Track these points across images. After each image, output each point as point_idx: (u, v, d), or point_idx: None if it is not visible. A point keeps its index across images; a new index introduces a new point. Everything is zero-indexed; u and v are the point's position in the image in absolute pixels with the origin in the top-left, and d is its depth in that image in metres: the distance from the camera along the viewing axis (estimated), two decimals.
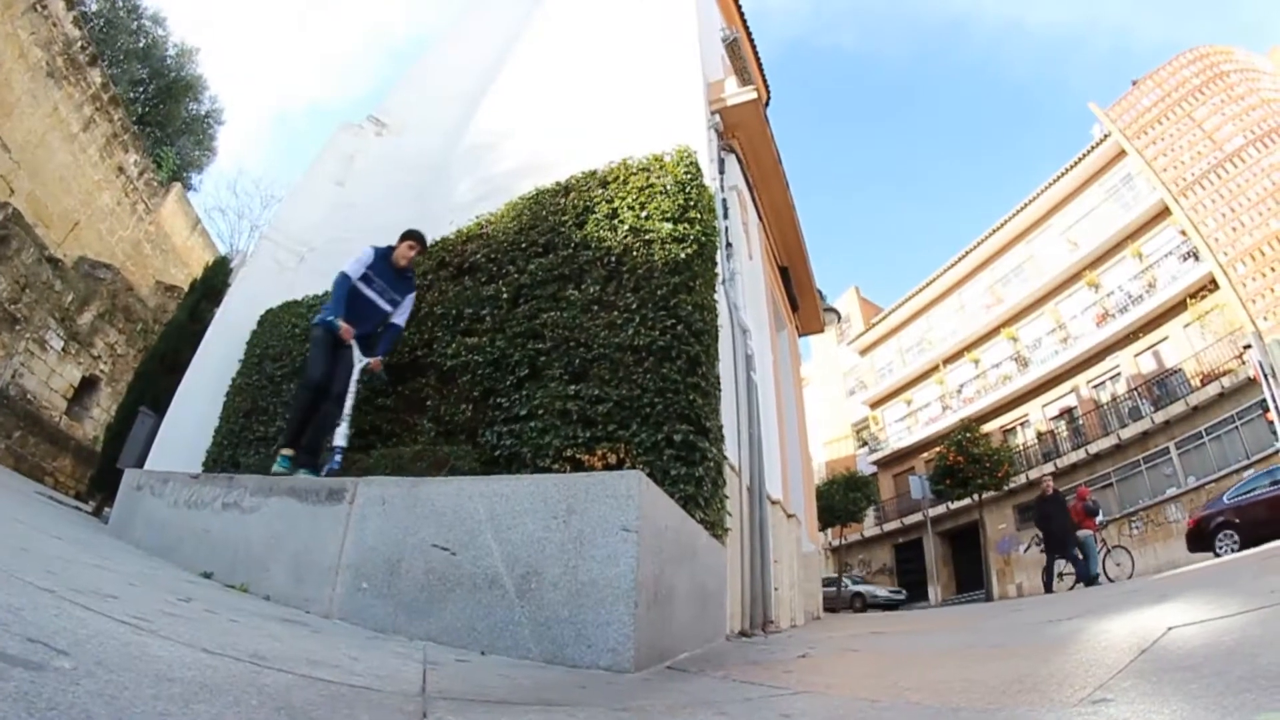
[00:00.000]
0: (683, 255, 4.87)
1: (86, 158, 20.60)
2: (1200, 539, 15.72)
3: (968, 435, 25.71)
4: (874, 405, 42.65)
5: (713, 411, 4.71)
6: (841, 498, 29.68)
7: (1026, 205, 35.00)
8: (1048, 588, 14.53)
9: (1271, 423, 19.37)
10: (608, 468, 4.08)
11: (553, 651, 2.97)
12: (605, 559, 3.02)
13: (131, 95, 27.43)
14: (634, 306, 4.78)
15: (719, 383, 5.00)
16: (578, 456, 4.31)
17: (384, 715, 1.62)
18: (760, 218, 11.00)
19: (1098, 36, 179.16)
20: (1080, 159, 32.46)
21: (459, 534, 3.42)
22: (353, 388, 5.40)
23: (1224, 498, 15.92)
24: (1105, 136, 31.05)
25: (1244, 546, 13.39)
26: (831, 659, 3.99)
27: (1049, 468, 30.15)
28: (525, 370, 5.01)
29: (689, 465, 4.29)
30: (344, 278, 5.91)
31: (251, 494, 4.64)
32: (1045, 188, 34.07)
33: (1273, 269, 24.36)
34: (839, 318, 15.65)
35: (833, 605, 23.43)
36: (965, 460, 24.94)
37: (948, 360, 37.94)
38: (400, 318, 6.01)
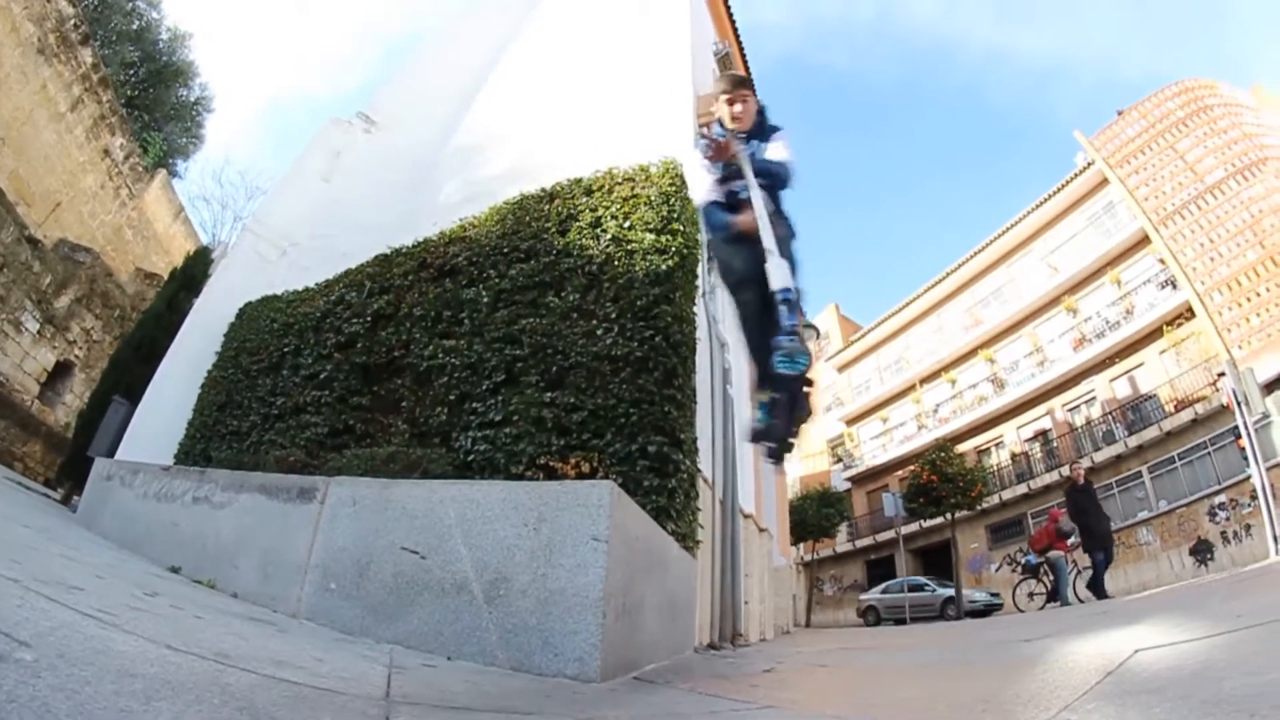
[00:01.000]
0: (664, 267, 4.88)
1: (72, 138, 20.40)
2: None
3: (942, 455, 25.87)
4: (850, 422, 42.85)
5: (688, 424, 4.72)
6: (815, 513, 29.84)
7: (1008, 229, 35.32)
8: (1098, 591, 12.74)
9: (1242, 449, 19.58)
10: (581, 477, 4.08)
11: (520, 659, 2.97)
12: (574, 568, 3.03)
13: (121, 77, 27.09)
14: (613, 316, 4.79)
15: (695, 395, 5.01)
16: (551, 464, 4.31)
17: (347, 718, 1.63)
18: None
19: (1084, 67, 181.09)
20: (1063, 185, 32.76)
21: (429, 538, 3.42)
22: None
23: None
24: (1089, 164, 31.38)
25: None
26: (799, 674, 4.00)
27: (1022, 489, 30.50)
28: (502, 375, 5.01)
29: (662, 477, 4.30)
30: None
31: (222, 489, 4.62)
32: (1027, 213, 34.37)
33: (1248, 299, 24.77)
34: (818, 334, 15.64)
35: (921, 615, 23.26)
36: (939, 479, 25.11)
37: (925, 380, 38.16)
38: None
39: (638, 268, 4.90)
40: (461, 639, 3.11)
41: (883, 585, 27.07)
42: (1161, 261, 27.70)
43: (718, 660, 4.60)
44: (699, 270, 5.64)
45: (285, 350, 6.85)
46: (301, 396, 6.29)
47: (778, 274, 3.36)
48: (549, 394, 4.69)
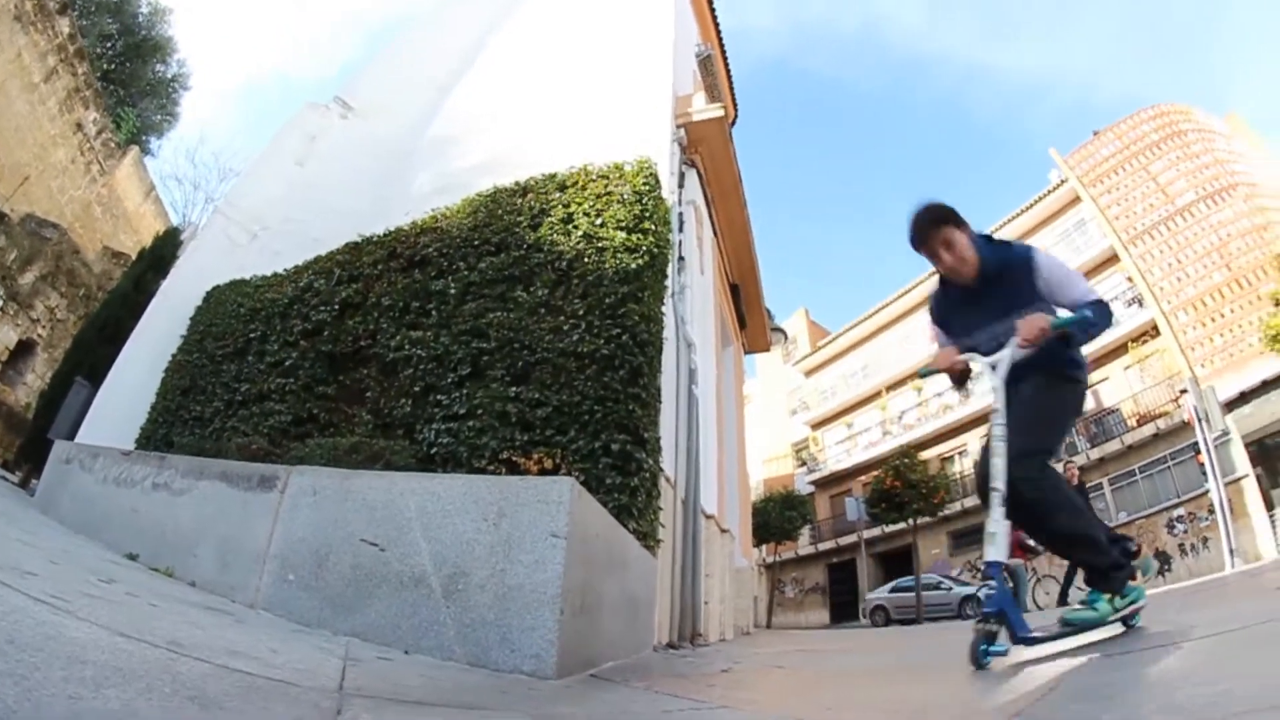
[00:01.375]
0: (634, 265, 4.91)
1: (45, 110, 20.02)
2: None
3: (906, 461, 26.12)
4: (815, 426, 43.23)
5: (652, 423, 4.75)
6: (777, 515, 29.99)
7: None
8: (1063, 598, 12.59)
9: (1202, 465, 19.97)
10: (543, 472, 4.09)
11: (477, 654, 2.97)
12: (533, 564, 3.03)
13: (98, 50, 26.58)
14: (581, 313, 4.81)
15: (660, 394, 5.04)
16: (514, 459, 4.32)
17: (299, 710, 1.63)
18: (715, 234, 11.10)
19: (1063, 87, 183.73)
20: (1036, 201, 33.44)
21: (388, 530, 3.41)
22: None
23: None
24: (1062, 182, 32.10)
25: None
26: (756, 675, 4.03)
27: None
28: (467, 369, 5.00)
29: (624, 475, 4.33)
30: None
31: (183, 475, 4.58)
32: (1000, 226, 34.83)
33: (1212, 319, 25.53)
34: (785, 337, 15.75)
35: (937, 615, 22.85)
36: (902, 485, 25.36)
37: (891, 387, 38.53)
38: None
39: (608, 265, 4.92)
40: (419, 633, 3.10)
41: (892, 583, 26.77)
42: (1129, 279, 28.44)
43: (676, 659, 4.62)
44: (669, 270, 5.67)
45: (251, 336, 6.77)
46: (266, 384, 6.23)
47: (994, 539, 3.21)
48: (514, 389, 4.69)
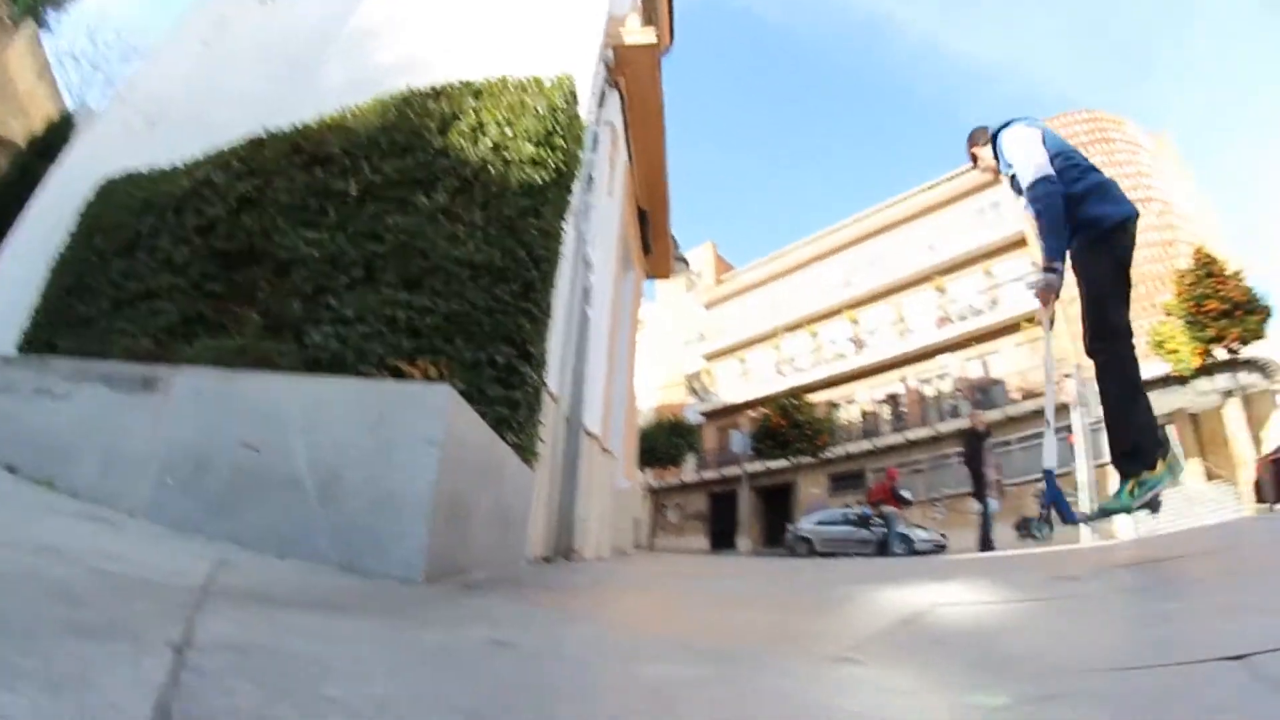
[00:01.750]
0: (538, 180, 4.87)
1: None
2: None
3: (793, 402, 26.83)
4: (711, 358, 44.11)
5: (539, 338, 4.76)
6: (665, 441, 30.59)
7: (896, 203, 36.81)
8: (984, 544, 12.99)
9: (1072, 445, 21.28)
10: (428, 381, 4.11)
11: (350, 559, 2.99)
12: (407, 470, 3.04)
13: None
14: (480, 223, 4.74)
15: (551, 311, 5.03)
16: (400, 366, 4.23)
17: (160, 606, 1.62)
18: (630, 158, 11.06)
19: (1008, 79, 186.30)
20: (956, 175, 34.64)
21: (269, 433, 3.36)
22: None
23: None
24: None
25: None
26: (622, 593, 4.16)
27: (867, 445, 32.18)
28: (360, 272, 4.90)
29: (507, 388, 4.35)
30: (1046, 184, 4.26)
31: (64, 379, 4.38)
32: (918, 191, 36.13)
33: None
34: (688, 267, 15.88)
35: (863, 551, 21.67)
36: (788, 424, 26.05)
37: (789, 329, 39.40)
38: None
39: (512, 177, 4.86)
40: (295, 537, 3.10)
41: (819, 514, 26.23)
42: (1035, 264, 29.57)
43: (549, 573, 4.74)
44: (575, 188, 5.63)
45: (142, 231, 6.41)
46: (155, 281, 5.93)
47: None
48: (405, 294, 4.63)
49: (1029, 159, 4.38)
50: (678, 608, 3.56)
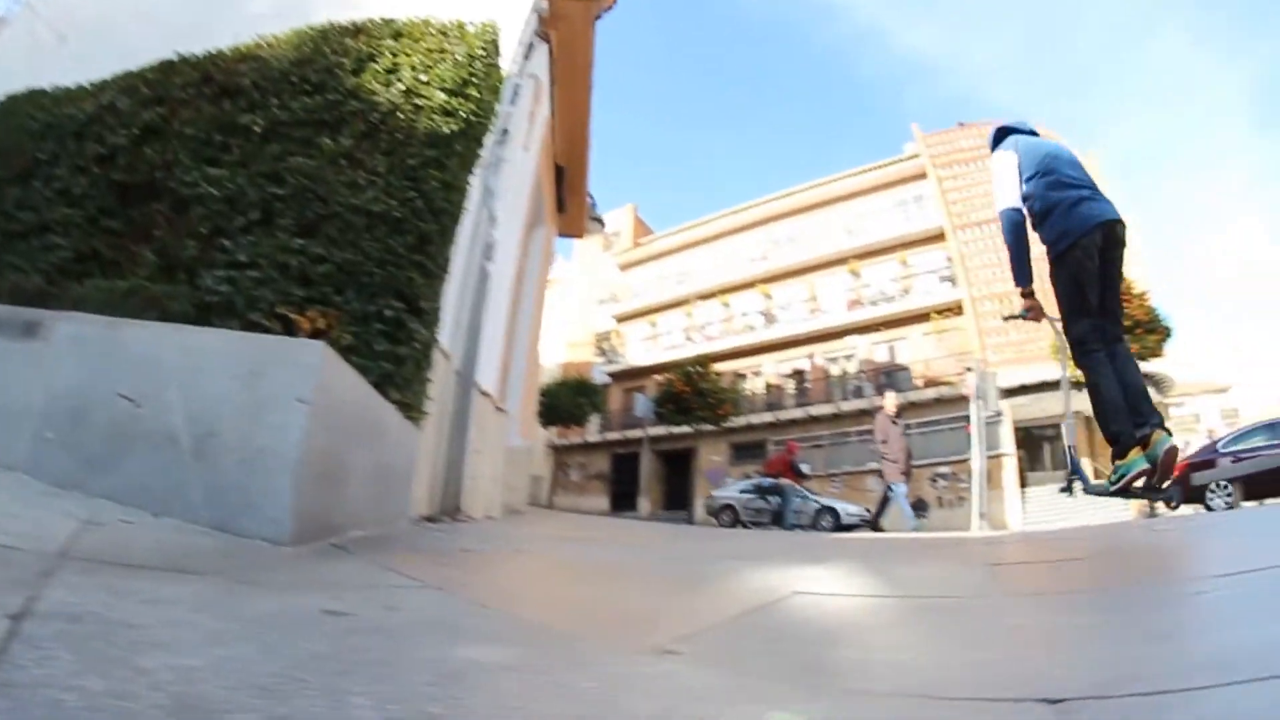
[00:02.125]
0: (446, 130, 4.75)
1: None
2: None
3: (698, 370, 27.09)
4: (622, 320, 44.21)
5: (432, 293, 4.68)
6: (569, 400, 30.57)
7: (821, 184, 37.35)
8: (874, 525, 13.19)
9: (969, 435, 22.07)
10: (316, 332, 3.88)
11: (222, 518, 2.91)
12: (278, 428, 2.98)
13: None
14: (382, 170, 4.61)
15: (448, 265, 4.95)
16: (289, 315, 4.07)
17: (14, 572, 1.61)
18: (553, 114, 10.89)
19: (952, 78, 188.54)
20: (885, 165, 35.59)
21: (148, 385, 3.23)
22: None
23: (1218, 447, 16.18)
24: (914, 155, 34.39)
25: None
26: (492, 558, 4.11)
27: (770, 417, 32.84)
28: (258, 214, 4.69)
29: (394, 343, 4.27)
30: (1006, 216, 4.75)
31: None
32: (844, 176, 36.73)
33: (1002, 321, 28.36)
34: (603, 227, 15.66)
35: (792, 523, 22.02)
36: (691, 392, 26.29)
37: (702, 297, 39.78)
38: None
39: (420, 125, 4.73)
40: (170, 495, 3.00)
41: (745, 483, 25.59)
42: (949, 259, 30.86)
43: (427, 534, 4.68)
44: (486, 140, 5.51)
45: (42, 157, 5.95)
46: (51, 214, 5.48)
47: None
48: (299, 241, 4.47)
49: (997, 188, 4.88)
50: (536, 578, 3.56)
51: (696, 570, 4.20)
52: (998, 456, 28.11)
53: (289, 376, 3.07)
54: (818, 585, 3.32)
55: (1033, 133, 5.19)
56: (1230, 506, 13.17)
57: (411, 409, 4.71)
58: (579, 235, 16.24)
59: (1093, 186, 4.72)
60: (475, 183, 5.60)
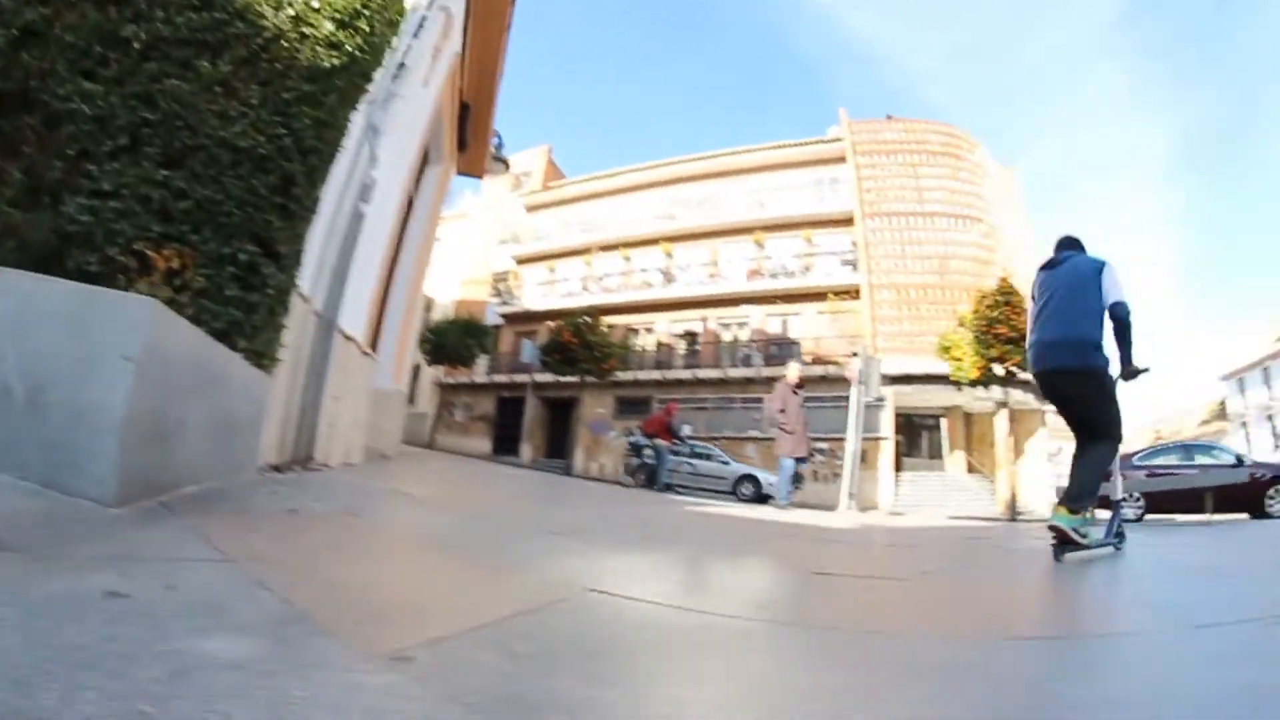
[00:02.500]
0: (328, 64, 4.50)
1: None
2: None
3: (587, 321, 27.08)
4: (521, 261, 43.92)
5: (293, 236, 4.48)
6: (457, 340, 30.29)
7: (739, 153, 37.63)
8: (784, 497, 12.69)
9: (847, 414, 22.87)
10: (170, 272, 3.80)
11: (52, 476, 2.79)
12: (106, 385, 2.86)
13: None
14: (255, 102, 4.33)
15: (316, 206, 4.71)
16: (146, 252, 3.91)
17: None
18: (464, 48, 10.60)
19: (887, 69, 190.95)
20: (805, 144, 36.33)
21: None
22: None
23: (1134, 460, 17.05)
24: (837, 140, 35.49)
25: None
26: (313, 522, 3.86)
27: (657, 374, 33.29)
28: (126, 139, 4.30)
29: (246, 289, 4.10)
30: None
31: None
32: (763, 148, 37.13)
33: (910, 308, 31.02)
34: (506, 168, 15.26)
35: (709, 487, 21.68)
36: (578, 343, 26.28)
37: (604, 248, 39.94)
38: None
39: (303, 56, 4.45)
40: (5, 450, 2.85)
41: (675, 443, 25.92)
42: (854, 244, 31.73)
43: (265, 488, 4.47)
44: (376, 75, 5.26)
45: None
46: None
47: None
48: (164, 172, 4.18)
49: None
50: (341, 551, 3.31)
51: (514, 548, 4.04)
52: (876, 439, 29.46)
53: (118, 332, 2.96)
54: (619, 582, 3.19)
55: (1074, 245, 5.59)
56: (1139, 518, 13.96)
57: (263, 356, 4.51)
58: (479, 175, 15.79)
59: (1054, 313, 5.22)
60: (358, 119, 5.39)
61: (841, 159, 35.14)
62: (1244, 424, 51.58)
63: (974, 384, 20.22)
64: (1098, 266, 5.09)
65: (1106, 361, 5.04)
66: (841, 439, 25.36)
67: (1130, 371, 5.04)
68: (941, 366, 24.38)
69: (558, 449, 34.93)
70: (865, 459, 27.80)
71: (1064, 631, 2.95)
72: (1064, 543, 4.88)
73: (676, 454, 23.13)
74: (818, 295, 32.63)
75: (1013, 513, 17.60)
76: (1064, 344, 5.08)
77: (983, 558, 5.83)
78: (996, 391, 22.93)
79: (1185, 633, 2.78)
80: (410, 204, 11.03)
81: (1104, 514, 5.69)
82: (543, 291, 41.88)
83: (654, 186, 40.11)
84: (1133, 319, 4.93)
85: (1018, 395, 25.66)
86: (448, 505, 6.03)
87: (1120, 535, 5.33)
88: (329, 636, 1.85)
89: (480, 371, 39.60)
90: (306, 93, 4.40)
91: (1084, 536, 4.92)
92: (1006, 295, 19.18)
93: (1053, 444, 29.56)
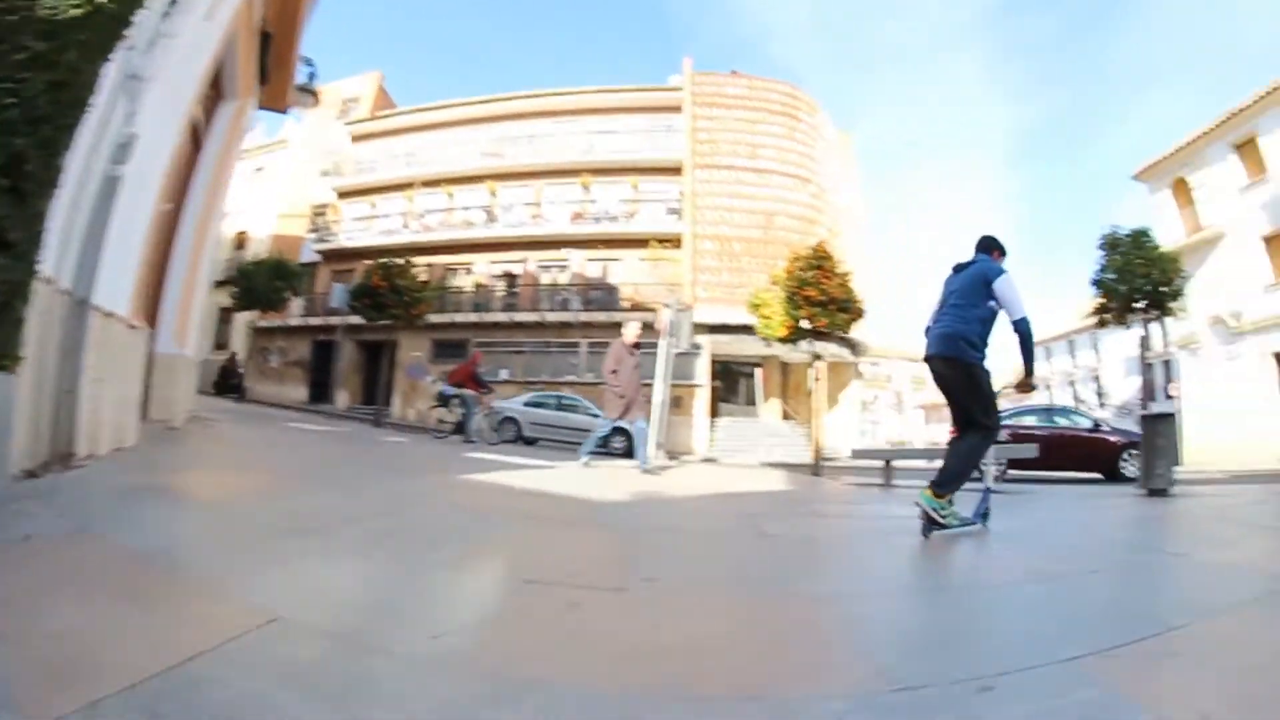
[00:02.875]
0: (68, 14, 3.67)
1: None
2: None
3: (396, 263, 26.00)
4: (342, 195, 41.14)
5: (30, 218, 3.71)
6: (266, 283, 28.58)
7: (574, 93, 37.07)
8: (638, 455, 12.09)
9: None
10: None
11: None
12: None
13: None
14: None
15: (58, 177, 3.93)
16: None
17: None
18: None
19: (750, 30, 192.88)
20: (645, 90, 36.52)
21: None
22: None
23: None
24: (678, 89, 35.68)
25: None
26: (45, 549, 3.18)
27: (474, 317, 32.74)
28: None
29: None
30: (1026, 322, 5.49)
31: None
32: (599, 90, 36.71)
33: (728, 260, 31.78)
34: (316, 101, 13.97)
35: (577, 441, 18.89)
36: (388, 287, 25.14)
37: (427, 183, 38.14)
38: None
39: (41, 9, 3.59)
40: None
41: (529, 395, 24.43)
42: (681, 194, 31.90)
43: (12, 506, 3.84)
44: (137, 18, 4.37)
45: None
46: None
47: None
48: None
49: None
50: (59, 589, 2.71)
51: (240, 559, 3.48)
52: (692, 386, 30.18)
53: None
54: (317, 604, 2.86)
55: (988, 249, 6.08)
56: (1001, 475, 14.09)
57: (3, 358, 3.96)
58: (282, 109, 14.30)
59: (947, 310, 5.79)
60: (112, 71, 4.66)
61: (678, 108, 35.05)
62: (1048, 387, 56.93)
63: (782, 341, 20.58)
64: (990, 278, 5.59)
65: (980, 359, 5.56)
66: (649, 384, 25.94)
67: (1026, 384, 5.69)
68: (752, 319, 24.91)
69: (376, 394, 33.69)
70: (680, 405, 28.58)
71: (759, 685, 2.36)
72: (930, 522, 5.39)
73: (541, 405, 23.17)
74: (640, 242, 32.43)
75: (818, 459, 18.06)
76: (945, 336, 5.65)
77: (738, 547, 5.29)
78: (813, 345, 23.60)
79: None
80: (199, 145, 10.03)
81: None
82: (362, 227, 39.34)
83: (483, 122, 38.45)
84: (1032, 331, 5.50)
85: (833, 349, 26.62)
86: (203, 497, 5.43)
87: (985, 515, 5.83)
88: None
89: (295, 314, 37.60)
90: (38, 53, 3.59)
91: (945, 517, 5.42)
92: (820, 260, 19.46)
93: (868, 393, 31.37)
